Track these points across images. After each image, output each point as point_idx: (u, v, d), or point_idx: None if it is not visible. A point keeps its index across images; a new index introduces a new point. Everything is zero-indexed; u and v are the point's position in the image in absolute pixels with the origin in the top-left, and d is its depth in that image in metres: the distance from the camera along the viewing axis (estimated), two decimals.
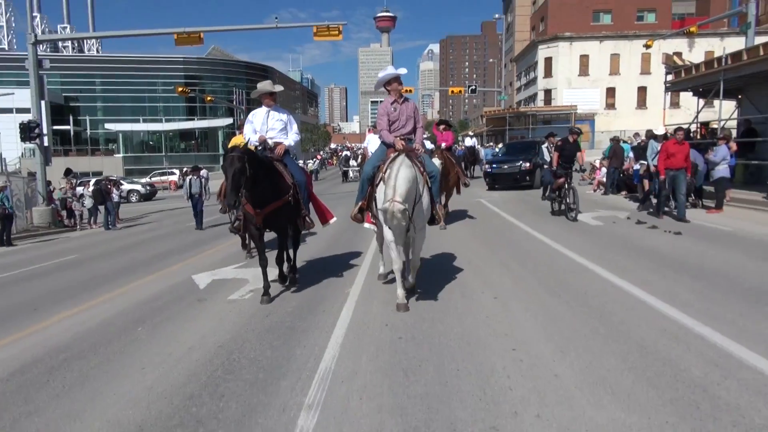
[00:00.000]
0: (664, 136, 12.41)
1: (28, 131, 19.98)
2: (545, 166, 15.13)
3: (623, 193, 16.27)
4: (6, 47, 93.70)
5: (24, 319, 6.37)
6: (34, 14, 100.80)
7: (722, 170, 11.46)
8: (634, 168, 15.18)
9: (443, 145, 12.27)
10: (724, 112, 15.99)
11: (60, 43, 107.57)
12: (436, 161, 10.53)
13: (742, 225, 10.00)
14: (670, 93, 19.31)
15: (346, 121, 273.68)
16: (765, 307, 5.07)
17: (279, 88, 7.02)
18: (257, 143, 6.56)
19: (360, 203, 6.14)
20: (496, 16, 63.34)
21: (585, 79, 48.50)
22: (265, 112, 6.86)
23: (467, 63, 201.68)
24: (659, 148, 11.72)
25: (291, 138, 7.01)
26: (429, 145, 26.35)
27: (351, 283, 6.90)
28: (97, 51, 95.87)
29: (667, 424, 3.06)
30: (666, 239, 9.06)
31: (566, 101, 47.02)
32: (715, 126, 16.36)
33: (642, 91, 47.73)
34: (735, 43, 35.19)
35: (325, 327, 5.24)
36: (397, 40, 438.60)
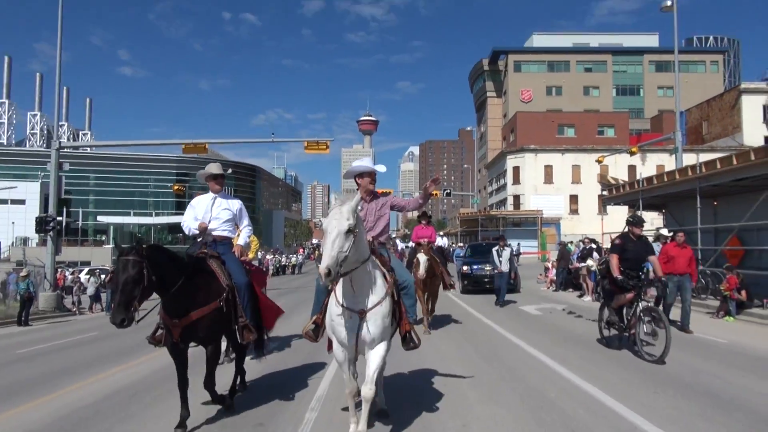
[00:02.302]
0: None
1: (44, 224, 22.17)
2: (494, 271, 15.21)
3: (570, 289, 18.80)
4: (5, 142, 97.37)
5: (67, 379, 8.28)
6: (61, 123, 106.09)
7: None
8: (593, 268, 17.52)
9: (424, 241, 10.95)
10: (653, 223, 19.00)
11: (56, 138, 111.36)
12: (423, 257, 10.31)
13: None
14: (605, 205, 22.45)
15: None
16: (636, 373, 7.41)
17: (228, 171, 6.38)
18: (197, 231, 5.72)
19: (315, 317, 4.89)
20: (468, 128, 68.68)
21: (550, 186, 52.86)
22: (210, 198, 5.89)
23: (445, 166, 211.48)
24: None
25: (244, 234, 6.21)
26: (400, 244, 27.64)
27: (305, 409, 5.54)
28: (91, 148, 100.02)
29: None
30: (587, 326, 11.45)
31: (533, 206, 50.91)
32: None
33: (602, 198, 52.10)
34: (686, 159, 39.79)
35: None
36: (378, 142, 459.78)
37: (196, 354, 5.54)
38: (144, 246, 4.64)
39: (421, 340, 4.97)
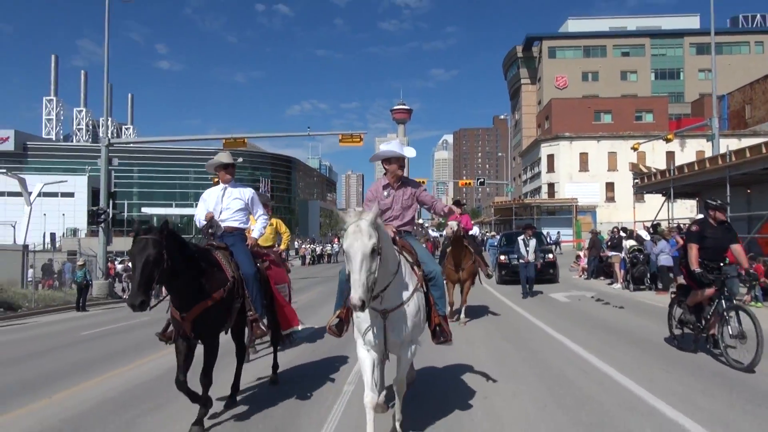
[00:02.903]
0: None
1: (96, 216, 23.59)
2: (520, 261, 14.40)
3: (601, 277, 19.00)
4: (54, 137, 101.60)
5: (128, 357, 9.13)
6: (103, 118, 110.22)
7: (663, 260, 14.32)
8: (623, 256, 17.65)
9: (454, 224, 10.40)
10: (688, 210, 19.02)
11: (101, 133, 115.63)
12: (453, 223, 9.70)
13: None
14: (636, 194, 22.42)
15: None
16: (652, 355, 7.85)
17: (238, 160, 5.86)
18: (204, 221, 5.57)
19: (338, 311, 4.64)
20: (502, 116, 68.29)
21: (585, 174, 52.29)
22: (220, 189, 5.77)
23: (480, 154, 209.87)
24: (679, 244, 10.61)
25: (259, 225, 6.01)
26: (433, 233, 27.65)
27: (324, 420, 5.08)
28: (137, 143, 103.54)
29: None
30: (613, 312, 11.82)
31: (568, 194, 50.52)
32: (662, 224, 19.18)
33: (633, 187, 51.38)
34: (726, 144, 39.03)
35: None
36: (413, 130, 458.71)
37: (225, 346, 5.45)
38: (164, 228, 4.44)
39: (452, 334, 4.69)
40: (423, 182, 53.36)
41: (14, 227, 37.18)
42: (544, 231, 35.25)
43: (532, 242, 14.26)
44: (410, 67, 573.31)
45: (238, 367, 5.92)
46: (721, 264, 7.16)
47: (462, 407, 5.30)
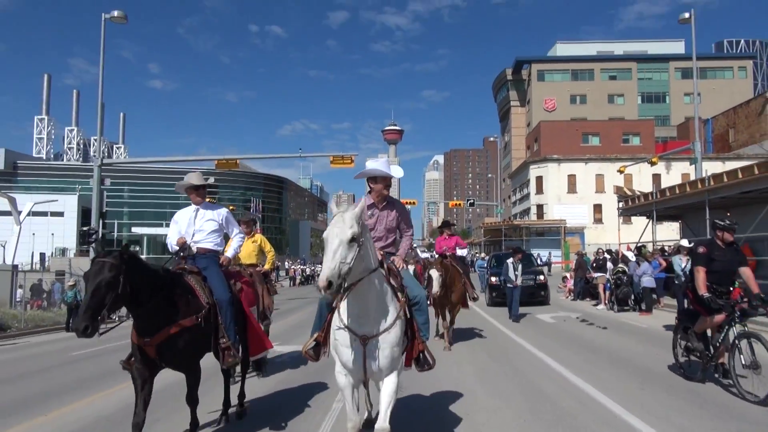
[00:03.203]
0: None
1: (87, 236, 23.67)
2: (509, 285, 14.32)
3: (588, 299, 19.31)
4: (44, 156, 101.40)
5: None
6: (97, 137, 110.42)
7: (646, 281, 14.68)
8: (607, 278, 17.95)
9: (446, 250, 10.84)
10: (674, 232, 19.45)
11: (91, 152, 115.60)
12: (435, 274, 9.86)
13: (656, 323, 13.02)
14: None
15: None
16: (630, 373, 8.12)
17: (209, 180, 5.75)
18: (176, 247, 5.41)
19: (316, 334, 4.42)
20: (492, 138, 69.33)
21: (573, 195, 53.00)
22: (192, 210, 5.60)
23: (470, 174, 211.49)
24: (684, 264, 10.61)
25: (234, 245, 5.87)
26: (423, 254, 27.90)
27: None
28: (125, 158, 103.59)
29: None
30: (596, 332, 12.10)
31: (557, 216, 51.14)
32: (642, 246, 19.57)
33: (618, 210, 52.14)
34: (710, 167, 39.91)
35: None
36: (404, 151, 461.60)
37: (210, 367, 5.42)
38: (124, 252, 4.27)
39: (435, 361, 4.53)
40: (414, 203, 53.77)
41: (4, 247, 37.03)
42: (534, 252, 35.66)
43: (520, 266, 14.30)
44: (402, 88, 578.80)
45: (225, 384, 5.90)
46: (731, 288, 6.76)
47: (444, 422, 5.53)
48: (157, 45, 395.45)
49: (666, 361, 8.03)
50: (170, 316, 4.52)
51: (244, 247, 8.06)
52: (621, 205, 21.08)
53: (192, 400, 4.94)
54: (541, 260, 36.53)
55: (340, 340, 3.98)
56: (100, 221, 24.05)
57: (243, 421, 5.85)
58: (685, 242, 12.11)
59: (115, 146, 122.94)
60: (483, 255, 39.12)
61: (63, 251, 65.06)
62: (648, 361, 8.60)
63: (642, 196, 19.21)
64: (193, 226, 5.54)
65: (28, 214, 36.33)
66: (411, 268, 15.08)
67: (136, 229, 73.55)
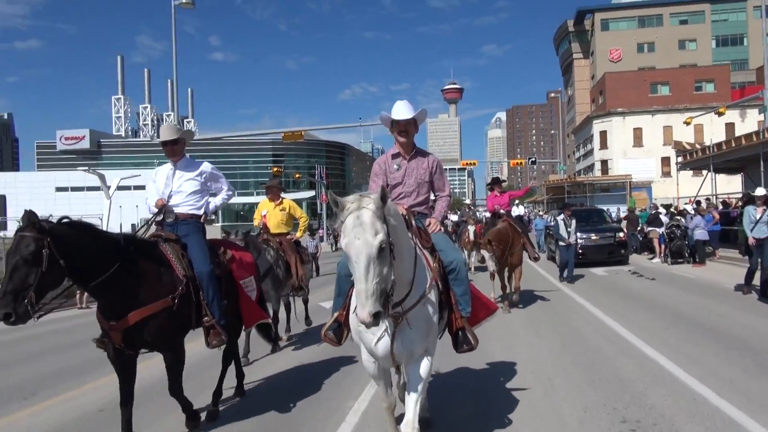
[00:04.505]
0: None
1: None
2: (561, 243, 13.54)
3: (645, 253, 19.68)
4: (123, 134, 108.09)
5: None
6: (168, 113, 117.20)
7: (699, 234, 15.09)
8: (660, 232, 18.24)
9: (500, 210, 10.41)
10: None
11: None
12: (471, 228, 10.35)
13: (707, 275, 13.54)
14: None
15: None
16: (684, 327, 9.01)
17: (184, 131, 4.99)
18: (155, 209, 4.77)
19: (337, 313, 3.82)
20: (552, 94, 67.49)
21: (639, 149, 51.61)
22: (170, 168, 4.86)
23: (534, 131, 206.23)
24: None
25: (215, 200, 5.09)
26: (452, 217, 26.04)
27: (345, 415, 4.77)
28: (195, 131, 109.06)
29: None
30: (642, 283, 12.85)
31: (622, 171, 50.06)
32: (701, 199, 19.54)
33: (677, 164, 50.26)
34: None
35: None
36: (465, 109, 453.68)
37: (214, 352, 5.05)
38: (49, 220, 3.66)
39: (478, 340, 3.84)
40: (474, 163, 53.72)
41: (101, 220, 40.85)
42: (604, 208, 34.48)
43: (573, 223, 13.45)
44: (461, 44, 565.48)
45: (222, 368, 5.21)
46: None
47: (487, 354, 6.73)
48: (217, 17, 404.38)
49: (696, 305, 8.88)
50: (139, 296, 3.96)
51: (272, 216, 7.77)
52: (679, 159, 21.03)
53: (175, 389, 4.30)
54: (613, 216, 35.58)
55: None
56: None
57: (254, 404, 5.19)
58: (762, 191, 10.49)
59: (185, 120, 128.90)
60: (542, 213, 38.88)
61: (147, 222, 69.98)
62: (680, 305, 9.44)
63: (699, 150, 19.19)
64: (171, 187, 4.78)
65: (116, 189, 39.75)
66: (471, 228, 15.31)
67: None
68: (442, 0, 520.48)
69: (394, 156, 4.16)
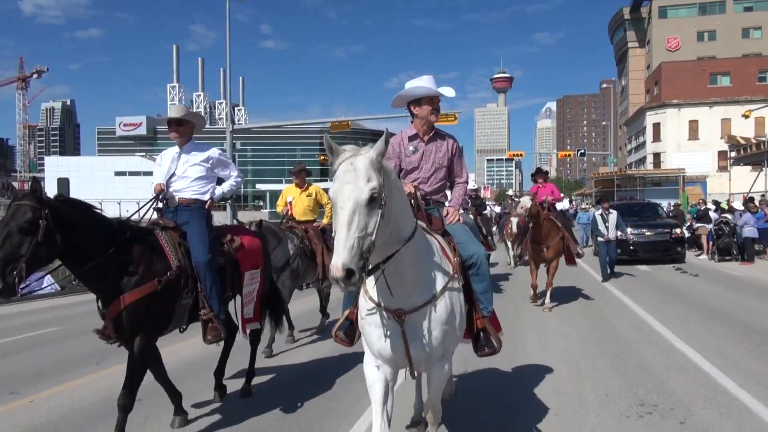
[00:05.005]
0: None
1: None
2: (599, 239, 12.87)
3: (694, 249, 19.30)
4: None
5: None
6: (220, 101, 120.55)
7: (748, 231, 14.78)
8: (709, 228, 17.87)
9: (548, 198, 9.64)
10: None
11: (216, 116, 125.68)
12: (525, 199, 9.03)
13: (754, 273, 13.32)
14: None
15: None
16: (719, 322, 9.08)
17: (196, 118, 4.75)
18: (154, 194, 4.56)
19: (348, 311, 3.43)
20: (604, 85, 65.69)
21: (695, 142, 49.85)
22: (175, 152, 4.66)
23: (585, 122, 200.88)
24: None
25: (223, 186, 4.81)
26: (495, 208, 24.14)
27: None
28: (245, 121, 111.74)
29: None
30: (684, 279, 12.78)
31: (675, 164, 48.52)
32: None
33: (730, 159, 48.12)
34: None
35: None
36: (514, 98, 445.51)
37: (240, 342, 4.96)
38: (49, 195, 3.51)
39: (501, 343, 3.50)
40: (521, 155, 53.24)
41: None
42: (657, 202, 32.87)
43: (612, 217, 12.68)
44: (512, 32, 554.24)
45: (252, 354, 5.14)
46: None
47: (519, 340, 7.06)
48: (269, 5, 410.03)
49: (735, 302, 8.92)
50: (128, 282, 3.77)
51: (298, 203, 7.54)
52: (733, 154, 20.43)
53: (127, 398, 3.85)
54: (668, 211, 34.04)
55: (367, 318, 2.99)
56: None
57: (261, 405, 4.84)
58: None
59: (236, 108, 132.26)
60: (586, 206, 37.83)
61: (141, 207, 72.80)
62: (719, 302, 9.46)
63: (753, 145, 18.62)
64: (175, 171, 4.57)
65: None
66: (514, 221, 14.38)
67: (259, 185, 79.96)
68: None
69: (412, 137, 3.83)
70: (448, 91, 3.82)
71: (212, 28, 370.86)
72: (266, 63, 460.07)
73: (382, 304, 2.87)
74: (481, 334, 3.45)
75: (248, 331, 4.86)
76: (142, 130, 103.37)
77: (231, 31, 25.68)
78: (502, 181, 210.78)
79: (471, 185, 10.74)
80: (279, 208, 7.87)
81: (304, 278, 7.28)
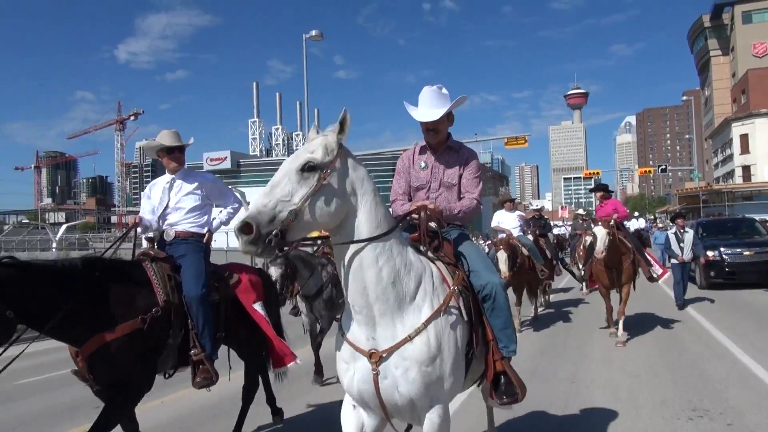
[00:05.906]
0: None
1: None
2: (673, 261, 11.65)
3: None
4: (258, 154, 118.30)
5: None
6: (297, 132, 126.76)
7: None
8: None
9: (614, 216, 8.57)
10: None
11: (293, 147, 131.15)
12: (599, 231, 8.12)
13: None
14: None
15: (538, 198, 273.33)
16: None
17: (189, 141, 4.38)
18: (130, 226, 4.37)
19: None
20: (684, 98, 63.15)
21: None
22: (166, 181, 4.31)
23: (668, 135, 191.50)
24: None
25: (223, 216, 4.52)
26: (557, 230, 22.26)
27: None
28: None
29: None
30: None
31: (767, 177, 45.78)
32: None
33: None
34: None
35: None
36: (590, 114, 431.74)
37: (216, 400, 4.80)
38: None
39: (525, 390, 2.99)
40: (597, 173, 51.74)
41: None
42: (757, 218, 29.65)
43: (688, 236, 11.68)
44: (586, 46, 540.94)
45: (243, 407, 4.62)
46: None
47: (585, 351, 7.47)
48: (341, 36, 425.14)
49: None
50: (107, 320, 3.42)
51: None
52: None
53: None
54: (763, 228, 31.34)
55: (339, 354, 2.62)
56: None
57: None
58: None
59: (294, 132, 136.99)
60: (661, 225, 35.61)
61: (116, 241, 76.13)
62: None
63: None
64: (167, 202, 4.26)
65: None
66: (588, 239, 11.57)
67: None
68: (564, 2, 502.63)
69: (422, 150, 3.39)
70: (458, 103, 3.31)
71: (288, 63, 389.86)
72: (340, 92, 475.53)
73: (346, 334, 2.53)
74: (502, 378, 2.94)
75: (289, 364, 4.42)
76: (227, 164, 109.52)
77: (306, 65, 27.32)
78: (580, 200, 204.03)
79: (534, 205, 10.31)
80: (314, 233, 7.40)
81: (342, 307, 7.20)
